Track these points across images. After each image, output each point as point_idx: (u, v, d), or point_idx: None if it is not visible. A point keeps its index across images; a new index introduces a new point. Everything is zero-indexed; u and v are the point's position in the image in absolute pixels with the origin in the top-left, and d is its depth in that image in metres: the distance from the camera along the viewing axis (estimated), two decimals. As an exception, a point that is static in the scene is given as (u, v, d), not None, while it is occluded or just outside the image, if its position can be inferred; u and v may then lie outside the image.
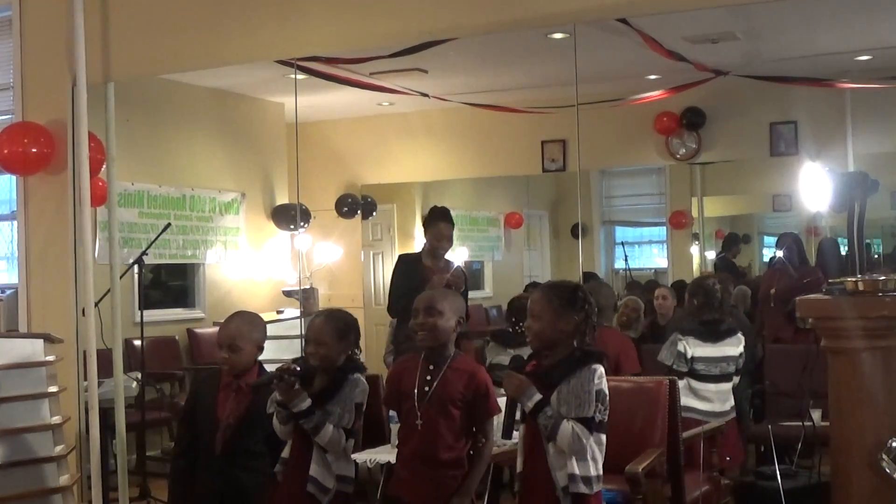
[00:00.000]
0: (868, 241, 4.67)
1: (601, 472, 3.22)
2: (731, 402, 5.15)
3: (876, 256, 7.47)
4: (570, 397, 3.15)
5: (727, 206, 9.17)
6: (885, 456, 3.24)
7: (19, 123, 5.28)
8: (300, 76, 6.56)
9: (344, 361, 3.70)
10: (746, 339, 5.38)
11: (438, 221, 5.77)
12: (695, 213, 8.73)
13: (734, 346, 5.13)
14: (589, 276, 7.99)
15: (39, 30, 5.29)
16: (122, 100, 5.30)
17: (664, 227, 9.01)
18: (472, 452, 3.49)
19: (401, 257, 6.17)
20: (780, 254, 7.03)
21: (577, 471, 3.15)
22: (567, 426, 3.12)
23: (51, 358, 4.54)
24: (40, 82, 5.28)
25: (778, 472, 4.65)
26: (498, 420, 3.69)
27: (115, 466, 5.06)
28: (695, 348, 5.06)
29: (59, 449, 4.47)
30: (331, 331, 3.68)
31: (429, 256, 5.78)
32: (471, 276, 9.42)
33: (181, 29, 4.96)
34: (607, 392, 3.21)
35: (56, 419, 4.48)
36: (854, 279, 3.39)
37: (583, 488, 3.15)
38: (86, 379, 4.89)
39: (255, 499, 3.81)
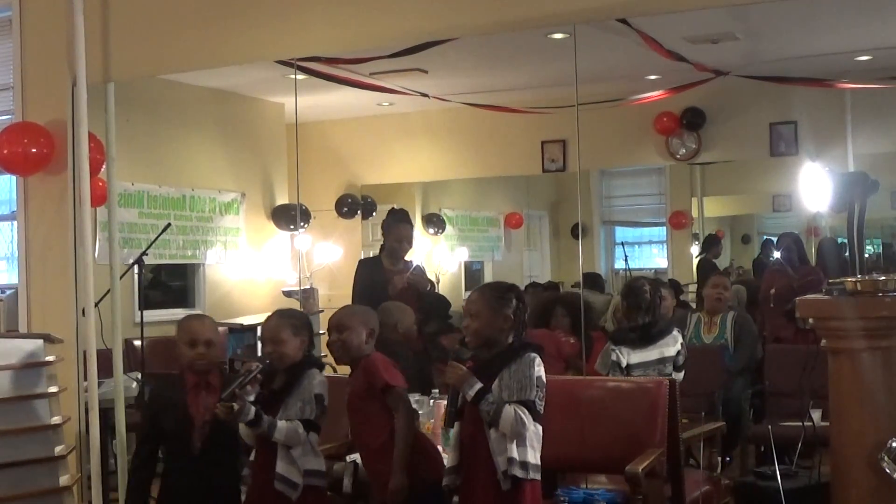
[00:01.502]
0: (868, 241, 4.67)
1: (538, 461, 3.38)
2: None
3: (876, 257, 7.47)
4: (512, 382, 3.35)
5: (727, 206, 9.17)
6: (885, 456, 3.24)
7: (19, 123, 5.27)
8: (300, 76, 6.56)
9: (301, 357, 3.82)
10: (749, 337, 5.31)
11: (399, 223, 5.79)
12: (695, 214, 8.73)
13: (670, 346, 5.00)
14: (592, 277, 8.00)
15: (39, 30, 5.28)
16: (122, 100, 5.30)
17: (664, 228, 9.02)
18: None
19: (361, 262, 6.16)
20: (777, 254, 7.03)
21: (515, 455, 3.32)
22: (510, 409, 3.30)
23: (51, 358, 4.54)
24: (40, 82, 5.27)
25: (778, 472, 4.65)
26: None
27: (115, 466, 5.05)
28: (629, 356, 4.94)
29: (59, 449, 4.47)
30: (286, 329, 3.81)
31: (388, 258, 5.79)
32: (471, 277, 9.45)
33: (181, 29, 4.96)
34: (545, 381, 3.41)
35: (56, 419, 4.47)
36: (854, 279, 3.39)
37: (518, 472, 3.31)
38: (86, 379, 4.88)
39: (234, 496, 3.92)
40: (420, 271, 5.71)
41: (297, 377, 3.77)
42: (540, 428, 3.39)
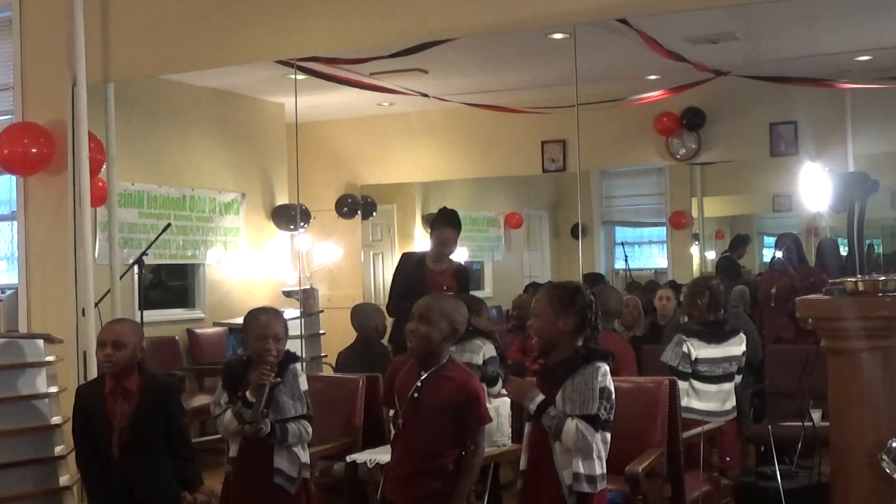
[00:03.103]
0: (868, 241, 4.67)
1: (605, 470, 3.24)
2: (733, 402, 5.13)
3: (876, 257, 7.47)
4: (575, 395, 3.18)
5: (727, 206, 9.17)
6: (885, 456, 3.24)
7: (19, 123, 5.28)
8: (300, 76, 6.56)
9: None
10: (750, 338, 5.37)
11: (442, 226, 5.74)
12: (695, 214, 8.73)
13: (737, 346, 5.10)
14: (594, 278, 7.99)
15: (39, 30, 5.29)
16: (122, 100, 5.31)
17: (664, 228, 9.01)
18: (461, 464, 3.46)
19: (404, 255, 6.12)
20: (779, 254, 7.03)
21: (581, 469, 3.17)
22: (571, 424, 3.15)
23: (51, 358, 4.54)
24: (40, 82, 5.28)
25: (778, 473, 4.66)
26: (489, 428, 3.77)
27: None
28: (699, 350, 5.01)
29: (59, 449, 4.47)
30: (282, 326, 3.80)
31: (432, 258, 5.76)
32: (471, 277, 9.45)
33: (181, 29, 4.96)
34: (612, 390, 3.23)
35: (56, 419, 4.48)
36: (854, 279, 3.39)
37: (586, 487, 3.17)
38: (86, 379, 4.89)
39: (163, 496, 3.86)
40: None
41: (281, 373, 3.74)
42: (608, 435, 3.23)
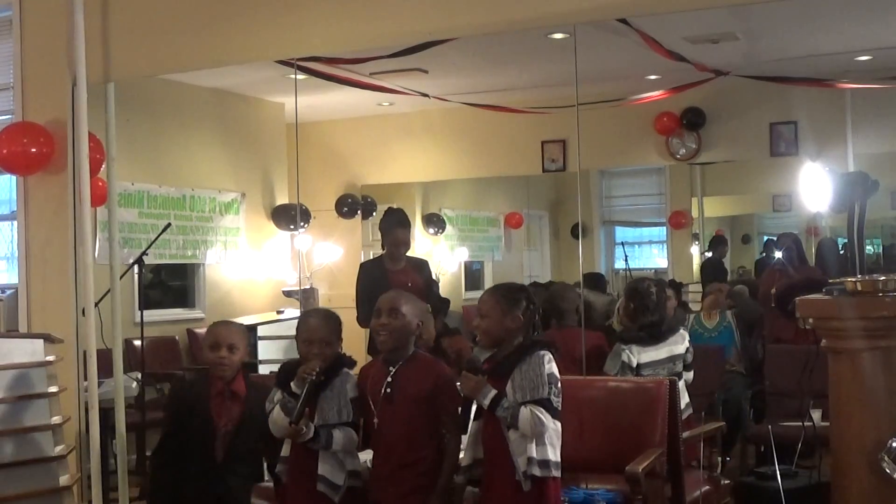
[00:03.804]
0: (868, 241, 4.67)
1: (559, 459, 3.37)
2: (686, 400, 4.95)
3: (876, 257, 7.47)
4: (524, 382, 3.34)
5: (727, 206, 9.17)
6: (885, 456, 3.24)
7: (19, 123, 5.27)
8: (300, 76, 6.56)
9: (336, 357, 3.73)
10: (753, 333, 5.34)
11: (394, 228, 5.74)
12: (695, 214, 8.73)
13: (679, 344, 4.99)
14: (594, 277, 8.00)
15: (39, 30, 5.28)
16: (122, 100, 5.30)
17: (664, 228, 9.01)
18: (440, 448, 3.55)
19: (362, 266, 6.06)
20: (779, 254, 7.04)
21: (534, 454, 3.31)
22: (525, 411, 3.30)
23: (51, 358, 4.54)
24: (40, 82, 5.28)
25: (778, 473, 4.65)
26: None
27: (115, 466, 5.05)
28: (640, 355, 4.88)
29: (59, 449, 4.47)
30: (333, 330, 3.72)
31: (389, 260, 5.78)
32: (471, 277, 9.45)
33: (181, 29, 4.96)
34: (558, 376, 3.40)
35: (56, 419, 4.47)
36: (854, 279, 3.39)
37: (538, 471, 3.31)
38: (86, 379, 4.89)
39: (245, 502, 3.87)
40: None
41: (330, 378, 3.66)
42: (559, 425, 3.38)
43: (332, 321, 3.75)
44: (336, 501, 3.60)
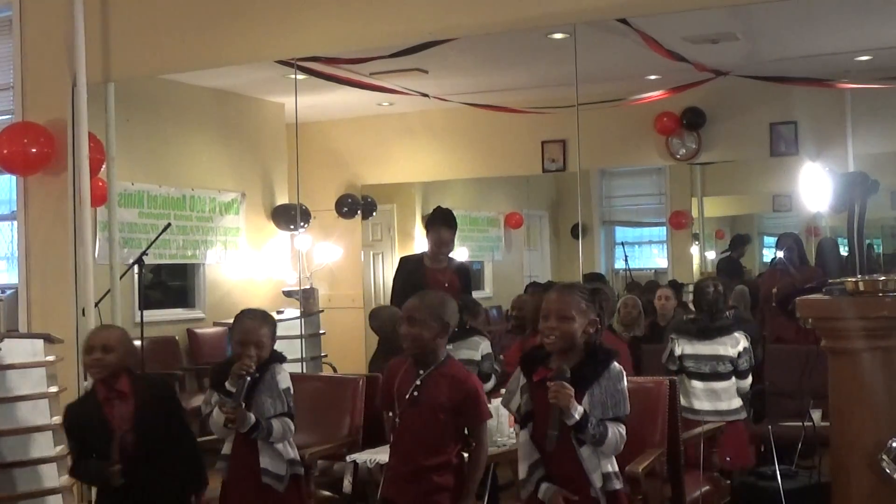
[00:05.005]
0: (868, 241, 4.66)
1: None
2: (733, 404, 5.08)
3: (876, 257, 7.47)
4: (605, 398, 3.17)
5: (727, 206, 9.16)
6: (885, 456, 3.24)
7: (19, 123, 5.28)
8: (300, 76, 6.56)
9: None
10: (751, 337, 5.35)
11: (439, 227, 5.73)
12: (695, 214, 8.73)
13: (728, 346, 5.05)
14: (595, 277, 7.99)
15: (39, 30, 5.29)
16: (122, 100, 5.31)
17: (664, 228, 9.01)
18: (463, 456, 3.49)
19: (402, 260, 6.12)
20: (780, 254, 7.03)
21: (610, 469, 3.20)
22: (614, 430, 3.15)
23: (51, 358, 4.54)
24: (40, 82, 5.28)
25: (778, 472, 4.65)
26: (491, 424, 3.77)
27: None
28: (684, 346, 5.11)
29: (59, 449, 4.47)
30: (266, 331, 3.78)
31: (430, 258, 5.76)
32: (472, 276, 9.44)
33: (181, 29, 4.97)
34: None
35: (56, 419, 4.48)
36: (854, 279, 3.39)
37: (617, 484, 3.21)
38: (86, 379, 4.88)
39: (172, 498, 3.83)
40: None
41: (261, 374, 3.75)
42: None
43: (266, 324, 3.80)
44: (281, 491, 3.71)
